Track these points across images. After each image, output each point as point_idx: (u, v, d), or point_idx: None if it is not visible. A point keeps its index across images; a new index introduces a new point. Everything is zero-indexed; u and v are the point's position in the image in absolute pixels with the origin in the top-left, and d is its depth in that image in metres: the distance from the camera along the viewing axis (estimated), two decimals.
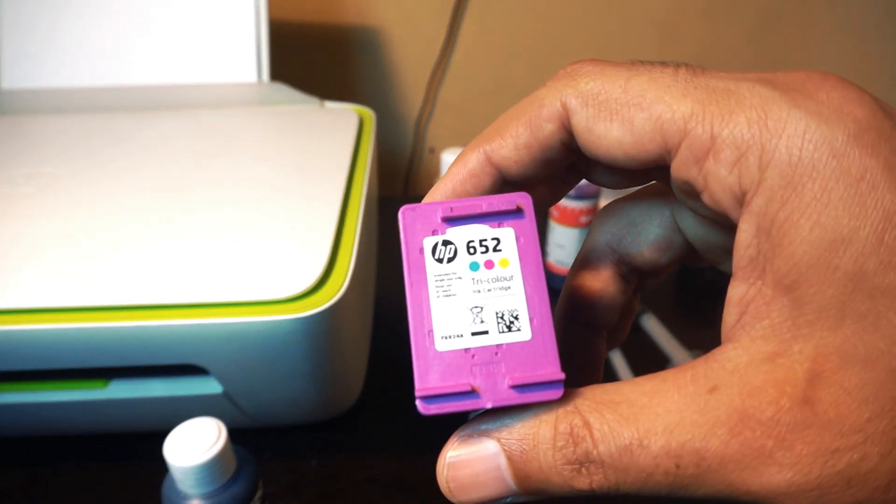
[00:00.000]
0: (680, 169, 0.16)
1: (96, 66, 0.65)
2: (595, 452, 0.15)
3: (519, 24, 0.85)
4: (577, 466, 0.15)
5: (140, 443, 0.46)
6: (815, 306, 0.14)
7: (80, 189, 0.47)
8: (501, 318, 0.16)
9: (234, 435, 0.34)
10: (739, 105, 0.15)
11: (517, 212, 0.17)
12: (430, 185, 0.87)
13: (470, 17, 0.84)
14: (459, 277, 0.17)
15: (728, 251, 0.19)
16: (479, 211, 0.17)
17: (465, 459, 0.16)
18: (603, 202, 0.73)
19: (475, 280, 0.17)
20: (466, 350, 0.16)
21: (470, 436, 0.16)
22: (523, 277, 0.17)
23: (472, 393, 0.16)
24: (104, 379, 0.41)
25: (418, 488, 0.44)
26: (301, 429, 0.48)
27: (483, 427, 0.16)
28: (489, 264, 0.17)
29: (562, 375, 0.16)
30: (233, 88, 0.65)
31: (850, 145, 0.14)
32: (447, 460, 0.17)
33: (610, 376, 0.54)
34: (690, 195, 0.17)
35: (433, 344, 0.16)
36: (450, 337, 0.16)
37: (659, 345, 0.58)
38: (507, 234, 0.17)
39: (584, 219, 0.62)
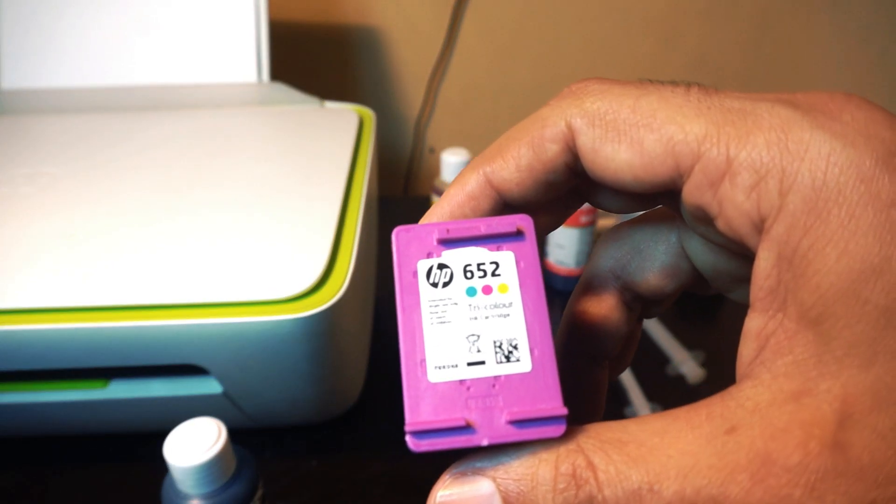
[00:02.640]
0: (692, 193, 0.15)
1: (96, 66, 0.65)
2: (600, 497, 0.13)
3: (519, 23, 0.85)
4: None
5: (140, 443, 0.46)
6: (844, 342, 0.13)
7: (80, 189, 0.47)
8: (500, 347, 0.15)
9: (234, 435, 0.34)
10: (757, 126, 0.14)
11: (518, 235, 0.16)
12: (430, 185, 0.87)
13: (470, 17, 0.84)
14: (455, 303, 0.16)
15: (738, 279, 0.19)
16: (477, 233, 0.16)
17: (456, 500, 0.15)
18: None
19: (472, 306, 0.16)
20: (461, 381, 0.15)
21: (463, 474, 0.15)
22: (523, 304, 0.16)
23: (466, 428, 0.15)
24: (104, 379, 0.41)
25: (418, 488, 0.44)
26: (301, 429, 0.48)
27: (477, 465, 0.15)
28: (487, 290, 0.16)
29: (564, 411, 0.15)
30: (233, 88, 0.65)
31: (879, 169, 0.13)
32: (437, 500, 0.15)
33: None
34: (702, 221, 0.16)
35: (425, 374, 0.15)
36: (444, 367, 0.15)
37: (659, 345, 0.58)
38: (506, 257, 0.16)
39: (584, 219, 0.62)
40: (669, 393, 0.53)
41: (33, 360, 0.37)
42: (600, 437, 0.14)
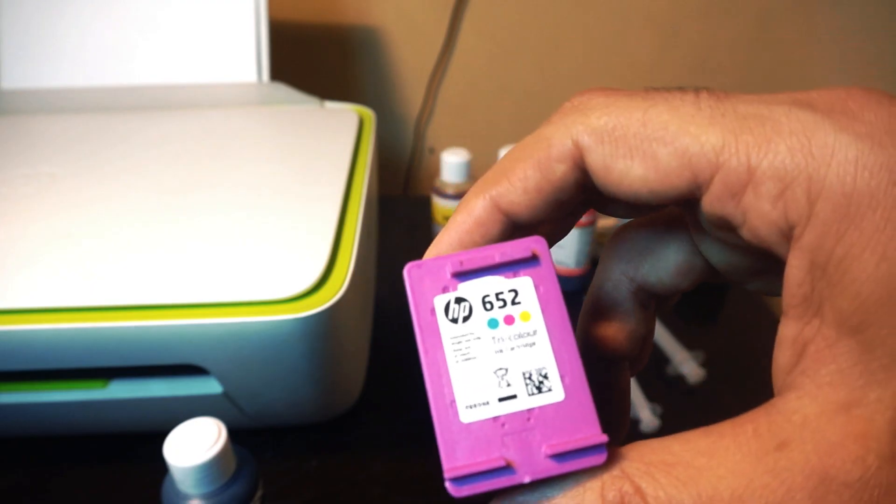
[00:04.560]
0: (713, 204, 0.15)
1: (96, 66, 0.65)
2: None
3: (519, 24, 0.85)
4: None
5: (140, 443, 0.46)
6: (890, 349, 0.12)
7: (80, 189, 0.47)
8: (529, 378, 0.15)
9: (234, 435, 0.34)
10: (777, 132, 0.14)
11: (533, 259, 0.16)
12: (430, 185, 0.87)
13: (470, 17, 0.84)
14: (478, 338, 0.15)
15: (756, 272, 0.18)
16: (491, 262, 0.16)
17: None
18: None
19: (496, 339, 0.15)
20: (495, 419, 0.14)
21: None
22: (548, 330, 0.15)
23: (506, 468, 0.14)
24: (104, 379, 0.41)
25: (418, 488, 0.44)
26: (301, 429, 0.48)
27: (520, 499, 0.14)
28: (509, 319, 0.15)
29: (604, 438, 0.14)
30: (233, 88, 0.65)
31: None
32: None
33: None
34: (724, 228, 0.16)
35: (457, 416, 0.15)
36: (475, 406, 0.15)
37: (659, 345, 0.58)
38: (524, 283, 0.16)
39: (584, 218, 0.62)
40: (669, 393, 0.53)
41: (33, 360, 0.37)
42: (644, 460, 0.14)
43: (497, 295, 0.16)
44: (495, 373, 0.15)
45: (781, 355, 0.14)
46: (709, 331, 0.62)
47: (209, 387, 0.41)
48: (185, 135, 0.55)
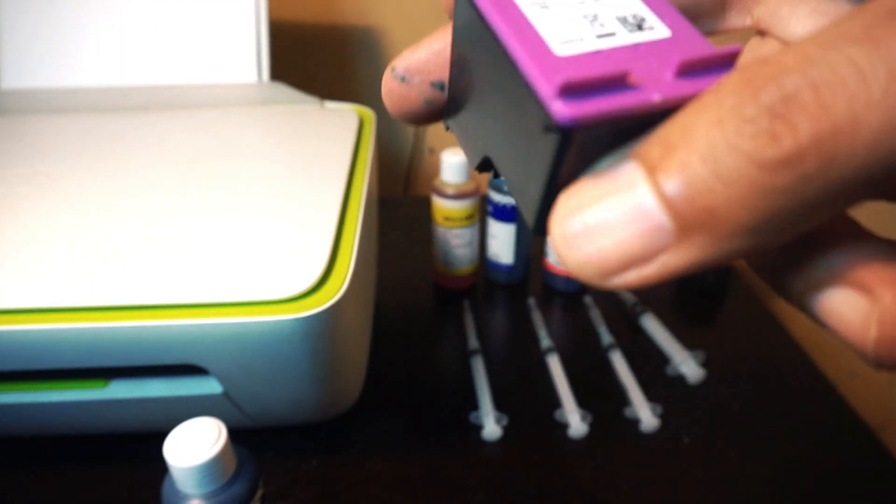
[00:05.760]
0: None
1: (96, 66, 0.65)
2: (795, 80, 0.09)
3: None
4: (767, 118, 0.09)
5: (140, 443, 0.46)
6: None
7: (79, 189, 0.47)
8: (625, 21, 0.13)
9: (234, 435, 0.34)
10: None
11: None
12: (430, 186, 0.86)
13: None
14: (559, 2, 0.13)
15: None
16: None
17: (592, 192, 0.11)
18: None
19: (579, 1, 0.13)
20: (597, 52, 0.12)
21: (601, 173, 0.11)
22: None
23: (628, 85, 0.11)
24: (104, 379, 0.41)
25: (418, 488, 0.44)
26: (301, 429, 0.48)
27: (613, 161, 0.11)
28: None
29: (738, 47, 0.11)
30: (233, 88, 0.65)
31: None
32: (566, 198, 0.11)
33: (610, 375, 0.54)
34: None
35: (550, 51, 0.12)
36: (570, 41, 0.12)
37: (659, 345, 0.58)
38: None
39: None
40: (669, 393, 0.53)
41: (33, 360, 0.37)
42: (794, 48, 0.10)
43: None
44: (584, 18, 0.13)
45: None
46: (709, 331, 0.62)
47: (209, 387, 0.41)
48: (185, 135, 0.55)
